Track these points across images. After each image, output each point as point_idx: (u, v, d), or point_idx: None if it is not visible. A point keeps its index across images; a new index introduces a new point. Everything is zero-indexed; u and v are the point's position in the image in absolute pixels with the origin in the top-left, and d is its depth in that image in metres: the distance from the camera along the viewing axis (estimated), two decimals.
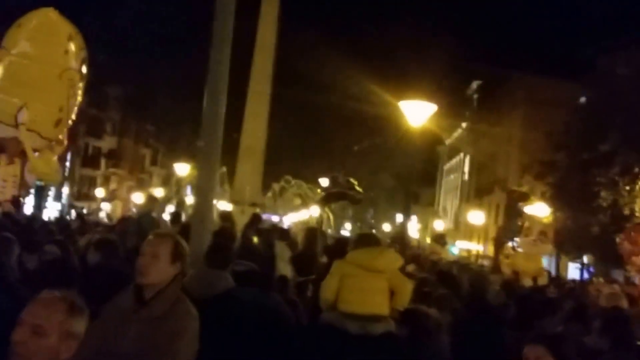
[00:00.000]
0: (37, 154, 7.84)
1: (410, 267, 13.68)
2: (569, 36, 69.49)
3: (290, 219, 36.54)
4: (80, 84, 6.85)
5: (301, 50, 49.98)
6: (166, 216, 22.51)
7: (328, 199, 23.97)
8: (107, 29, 51.39)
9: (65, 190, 55.91)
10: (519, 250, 18.20)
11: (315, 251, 11.66)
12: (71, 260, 7.49)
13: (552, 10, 72.41)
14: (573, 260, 36.02)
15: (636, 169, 27.00)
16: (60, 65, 6.56)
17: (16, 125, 6.45)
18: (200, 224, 7.71)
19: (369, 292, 6.08)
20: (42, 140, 6.66)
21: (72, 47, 6.65)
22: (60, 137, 6.90)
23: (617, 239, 22.11)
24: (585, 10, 56.73)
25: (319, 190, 26.83)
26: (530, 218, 29.55)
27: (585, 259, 33.72)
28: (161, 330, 4.05)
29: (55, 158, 9.09)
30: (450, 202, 74.07)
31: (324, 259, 10.44)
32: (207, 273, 6.08)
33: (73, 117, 7.06)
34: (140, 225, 12.37)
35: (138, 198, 54.79)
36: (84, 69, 6.86)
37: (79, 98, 7.09)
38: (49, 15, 6.49)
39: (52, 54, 6.49)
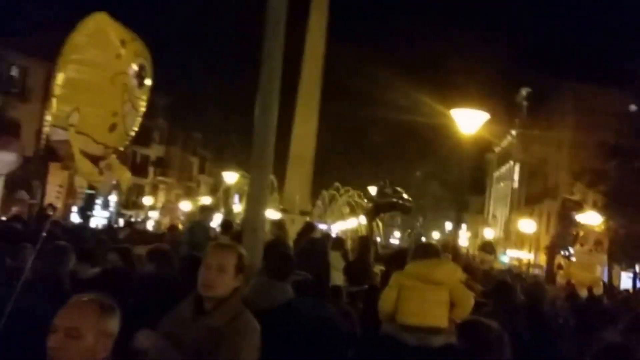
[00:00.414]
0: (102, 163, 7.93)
1: (463, 277, 13.56)
2: (618, 45, 68.66)
3: (338, 228, 36.47)
4: (141, 93, 6.61)
5: (350, 62, 50.41)
6: (214, 224, 22.86)
7: (377, 210, 23.81)
8: (156, 37, 52.29)
9: (113, 198, 56.74)
10: (574, 260, 17.97)
11: (368, 260, 11.70)
12: (131, 269, 7.56)
13: (602, 18, 71.69)
14: (626, 269, 35.39)
15: None
16: (111, 69, 6.33)
17: (65, 127, 6.36)
18: (253, 233, 7.76)
19: (428, 304, 6.04)
20: (96, 145, 6.41)
21: (125, 52, 6.38)
22: (118, 144, 6.75)
23: None
24: (635, 20, 55.91)
25: (366, 201, 26.79)
26: (585, 227, 29.15)
27: (637, 268, 33.11)
28: (221, 341, 4.04)
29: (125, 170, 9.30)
30: (500, 210, 73.57)
31: (375, 268, 10.53)
32: (269, 284, 6.10)
33: (135, 128, 6.91)
34: (193, 234, 12.51)
35: (186, 206, 55.40)
36: (147, 80, 6.66)
37: (142, 108, 6.86)
38: (100, 20, 6.38)
39: (104, 58, 6.31)
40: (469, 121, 15.45)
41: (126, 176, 10.16)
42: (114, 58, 6.34)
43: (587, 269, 16.89)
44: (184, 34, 57.01)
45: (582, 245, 17.37)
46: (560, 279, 17.28)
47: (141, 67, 6.52)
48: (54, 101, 6.52)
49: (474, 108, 15.82)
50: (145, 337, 3.99)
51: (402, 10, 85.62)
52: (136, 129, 6.76)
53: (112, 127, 6.43)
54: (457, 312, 6.16)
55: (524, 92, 63.36)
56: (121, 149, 6.91)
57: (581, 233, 17.86)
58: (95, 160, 6.56)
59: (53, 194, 39.40)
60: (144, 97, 6.73)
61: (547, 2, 69.97)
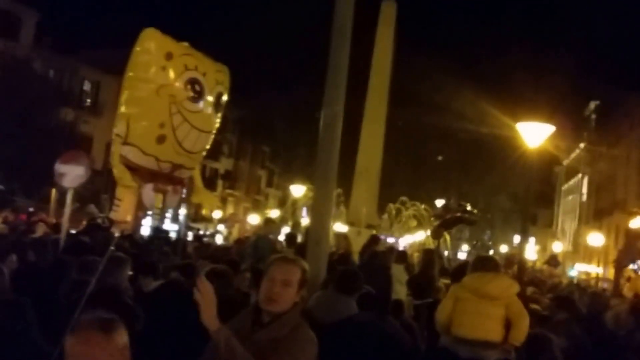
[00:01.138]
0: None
1: (530, 290, 13.72)
2: None
3: (406, 241, 36.57)
4: (196, 108, 6.51)
5: (418, 70, 50.52)
6: (282, 237, 22.62)
7: (443, 226, 23.96)
8: (226, 53, 53.45)
9: (183, 211, 57.86)
10: None
11: (433, 274, 11.62)
12: (191, 284, 7.50)
13: None
14: None
15: None
16: (157, 81, 6.39)
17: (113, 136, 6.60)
18: (316, 246, 7.76)
19: (480, 317, 6.01)
20: (146, 157, 6.47)
21: (172, 64, 6.44)
22: (173, 158, 6.69)
23: None
24: None
25: (432, 219, 26.94)
26: None
27: None
28: (278, 353, 4.01)
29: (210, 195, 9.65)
30: (568, 223, 72.60)
31: (442, 283, 10.50)
32: (334, 298, 6.25)
33: (198, 143, 6.86)
34: (257, 247, 12.81)
35: (254, 220, 56.07)
36: (207, 95, 6.61)
37: (201, 123, 6.77)
38: (148, 35, 6.52)
39: (149, 71, 6.43)
40: (534, 134, 15.24)
41: (212, 201, 10.59)
42: (160, 70, 6.40)
43: None
44: (254, 47, 58.10)
45: None
46: (627, 291, 17.13)
47: (193, 81, 6.48)
48: (117, 118, 6.69)
49: (540, 121, 15.65)
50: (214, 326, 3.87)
51: (471, 19, 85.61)
52: (203, 145, 6.90)
53: (161, 139, 6.44)
54: (513, 334, 6.07)
55: (592, 105, 62.73)
56: (191, 166, 7.08)
57: None
58: (154, 175, 6.77)
59: (120, 209, 40.25)
60: (205, 112, 6.73)
61: (615, 14, 69.19)
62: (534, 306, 9.70)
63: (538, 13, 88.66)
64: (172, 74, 6.37)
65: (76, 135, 41.19)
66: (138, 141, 6.35)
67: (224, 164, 67.48)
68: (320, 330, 4.45)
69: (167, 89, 6.31)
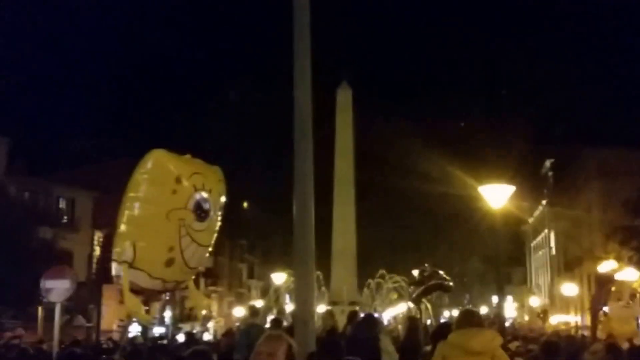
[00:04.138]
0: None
1: (513, 345, 14.59)
2: (631, 107, 70.90)
3: (389, 314, 37.25)
4: (202, 227, 6.44)
5: (384, 136, 52.02)
6: (268, 325, 23.50)
7: (423, 294, 24.72)
8: (194, 147, 54.89)
9: (168, 313, 57.99)
10: (611, 315, 18.12)
11: (418, 340, 11.81)
12: None
13: (613, 85, 74.10)
14: None
15: None
16: (167, 205, 6.32)
17: (120, 262, 6.40)
18: (304, 327, 7.94)
19: None
20: (152, 280, 6.38)
21: (182, 187, 6.37)
22: (179, 277, 6.63)
23: None
24: None
25: (411, 288, 27.78)
26: (620, 283, 30.02)
27: None
28: None
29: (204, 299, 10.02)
30: (542, 277, 73.67)
31: (427, 348, 10.50)
32: None
33: (202, 261, 6.92)
34: (250, 336, 12.64)
35: (239, 312, 56.23)
36: (212, 212, 6.52)
37: (205, 240, 6.69)
38: (158, 157, 6.48)
39: (160, 195, 6.36)
40: (496, 196, 15.48)
41: (203, 303, 10.80)
42: (170, 194, 6.40)
43: (625, 322, 17.26)
44: (223, 142, 59.43)
45: (618, 299, 17.95)
46: (600, 333, 17.90)
47: (201, 201, 6.46)
48: (116, 238, 6.67)
49: (501, 182, 15.91)
50: None
51: (434, 88, 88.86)
52: (204, 259, 7.01)
53: (169, 262, 6.37)
54: None
55: (548, 163, 64.77)
56: (190, 279, 7.18)
57: (613, 289, 18.53)
58: (152, 294, 6.81)
59: (113, 325, 40.62)
60: (210, 229, 6.68)
61: (564, 78, 72.73)
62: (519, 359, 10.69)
63: (493, 80, 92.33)
64: (182, 197, 6.41)
65: (56, 252, 41.41)
66: (146, 266, 6.33)
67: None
68: None
69: (178, 213, 6.34)
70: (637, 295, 19.25)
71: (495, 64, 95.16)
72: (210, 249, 7.07)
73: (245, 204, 61.52)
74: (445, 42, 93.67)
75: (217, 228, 6.98)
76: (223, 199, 7.09)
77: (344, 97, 32.21)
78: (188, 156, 6.96)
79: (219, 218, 7.14)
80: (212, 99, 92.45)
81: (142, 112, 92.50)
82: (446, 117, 70.35)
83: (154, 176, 6.57)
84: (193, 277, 7.50)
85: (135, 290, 6.51)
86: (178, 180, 6.50)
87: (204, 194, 6.63)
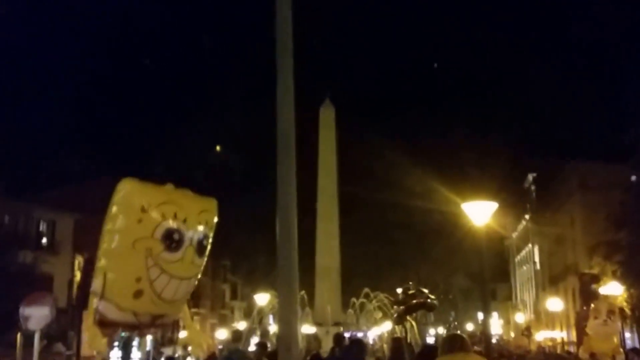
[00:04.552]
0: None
1: None
2: (614, 121, 71.61)
3: (374, 333, 37.03)
4: (174, 258, 6.14)
5: (369, 152, 52.15)
6: (252, 348, 23.25)
7: (406, 312, 24.57)
8: (172, 171, 54.84)
9: (149, 337, 57.38)
10: (591, 333, 18.08)
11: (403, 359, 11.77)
12: None
13: (594, 99, 74.70)
14: None
15: None
16: (133, 234, 6.19)
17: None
18: (287, 352, 7.56)
19: None
20: (121, 312, 6.24)
21: (148, 216, 6.20)
22: (153, 310, 6.33)
23: None
24: (623, 94, 58.42)
25: (395, 307, 27.61)
26: (600, 299, 29.95)
27: None
28: None
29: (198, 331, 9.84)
30: (527, 293, 73.70)
31: None
32: None
33: (177, 292, 6.53)
34: None
35: (222, 334, 55.77)
36: (187, 242, 6.26)
37: (195, 270, 6.51)
38: (126, 185, 6.35)
39: (126, 224, 6.25)
40: (479, 213, 15.25)
41: (200, 341, 10.42)
42: (136, 223, 6.23)
43: (605, 340, 17.20)
44: (203, 164, 59.35)
45: (595, 318, 17.80)
46: (582, 353, 17.80)
47: (171, 231, 6.25)
48: (95, 271, 6.59)
49: (483, 199, 15.70)
50: None
51: (417, 106, 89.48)
52: (186, 292, 6.57)
53: (138, 294, 6.19)
54: None
55: (530, 177, 65.03)
56: (176, 312, 6.84)
57: (592, 306, 18.43)
58: (134, 327, 6.61)
59: (94, 351, 39.94)
60: (185, 260, 6.38)
61: (545, 94, 73.70)
62: None
63: (475, 96, 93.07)
64: (148, 226, 6.20)
65: (36, 276, 40.94)
66: (115, 297, 6.21)
67: None
68: None
69: (143, 242, 6.17)
70: (616, 311, 19.01)
71: (479, 81, 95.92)
72: (192, 281, 6.78)
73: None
74: (429, 60, 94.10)
75: (197, 260, 6.72)
76: (202, 228, 6.76)
77: (327, 115, 32.33)
78: (169, 186, 6.76)
79: (203, 256, 6.90)
80: (194, 117, 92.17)
81: (124, 130, 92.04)
82: (430, 132, 70.69)
83: (123, 206, 6.40)
84: (181, 311, 7.20)
85: (107, 322, 6.36)
86: (144, 210, 6.31)
87: (175, 224, 6.37)
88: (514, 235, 75.05)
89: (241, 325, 50.44)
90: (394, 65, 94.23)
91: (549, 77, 70.12)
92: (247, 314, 58.91)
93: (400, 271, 63.80)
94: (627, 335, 36.80)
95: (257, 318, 38.35)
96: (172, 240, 6.32)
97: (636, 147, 33.54)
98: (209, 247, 6.90)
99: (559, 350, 37.11)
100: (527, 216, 67.31)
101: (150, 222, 6.27)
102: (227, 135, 60.56)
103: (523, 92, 79.17)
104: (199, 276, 6.95)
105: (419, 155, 55.98)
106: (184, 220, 6.42)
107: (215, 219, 7.05)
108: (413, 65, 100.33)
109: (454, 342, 6.54)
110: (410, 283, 25.69)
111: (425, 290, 23.37)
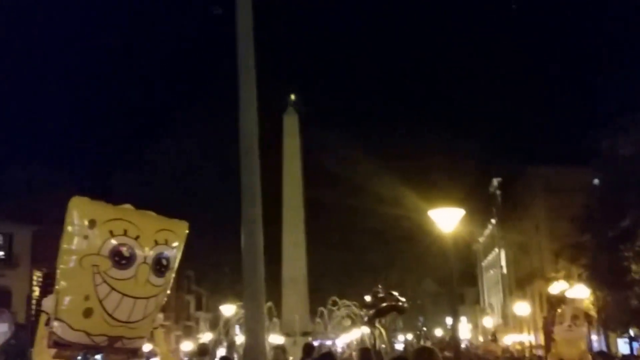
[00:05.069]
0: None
1: None
2: (574, 125, 72.60)
3: (342, 341, 36.84)
4: (124, 275, 5.92)
5: (336, 158, 52.15)
6: None
7: (376, 316, 24.32)
8: (137, 185, 54.15)
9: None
10: (557, 339, 18.01)
11: None
12: None
13: (555, 105, 75.69)
14: (621, 335, 36.40)
15: None
16: (80, 252, 5.92)
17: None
18: None
19: None
20: (75, 332, 5.88)
21: (95, 232, 5.95)
22: (106, 331, 6.49)
23: None
24: (584, 100, 59.18)
25: (364, 311, 27.40)
26: (566, 304, 29.95)
27: (631, 332, 34.09)
28: None
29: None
30: (494, 297, 74.31)
31: None
32: None
33: (151, 311, 6.69)
34: None
35: (187, 346, 55.17)
36: (138, 260, 6.36)
37: (155, 290, 6.59)
38: (75, 203, 6.06)
39: (73, 242, 5.94)
40: (446, 219, 15.49)
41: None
42: (82, 239, 5.97)
43: (571, 345, 17.12)
44: (167, 177, 58.82)
45: (560, 323, 17.65)
46: (551, 358, 17.67)
47: (120, 248, 5.90)
48: (55, 291, 6.01)
49: (450, 205, 15.94)
50: None
51: (387, 113, 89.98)
52: (144, 312, 6.37)
53: (87, 313, 5.90)
54: None
55: (495, 182, 65.47)
56: (137, 335, 6.78)
57: (559, 311, 18.40)
58: (97, 348, 6.60)
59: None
60: (138, 279, 6.01)
61: (510, 101, 74.78)
62: None
63: (440, 102, 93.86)
64: (94, 242, 5.95)
65: None
66: (66, 317, 5.93)
67: None
68: None
69: (90, 259, 5.91)
70: (580, 316, 18.84)
71: (444, 87, 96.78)
72: (151, 301, 6.09)
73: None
74: (394, 67, 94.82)
75: (154, 280, 6.09)
76: (160, 247, 6.15)
77: (291, 123, 32.16)
78: (127, 205, 6.24)
79: (164, 277, 6.25)
80: (157, 127, 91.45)
81: (85, 141, 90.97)
82: (396, 139, 70.97)
83: (71, 224, 6.03)
84: (147, 336, 6.82)
85: (63, 343, 5.88)
86: (91, 226, 5.98)
87: (125, 240, 5.98)
88: (481, 239, 75.51)
89: (207, 336, 49.91)
90: (359, 72, 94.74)
91: (512, 84, 70.96)
92: (213, 325, 58.37)
93: (369, 278, 63.49)
94: (594, 337, 37.04)
95: (223, 329, 37.98)
96: (121, 256, 5.88)
97: (597, 150, 33.77)
98: (172, 268, 6.44)
99: (527, 354, 37.24)
100: (493, 220, 67.76)
101: (96, 239, 5.95)
102: (192, 146, 60.06)
103: (487, 99, 79.99)
104: (164, 298, 6.41)
105: (386, 161, 56.06)
106: (136, 238, 6.07)
107: (180, 242, 6.56)
108: (378, 72, 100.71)
109: (423, 356, 6.33)
110: (380, 286, 25.44)
111: (395, 293, 23.20)
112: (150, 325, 6.40)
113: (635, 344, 34.15)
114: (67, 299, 5.92)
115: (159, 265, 6.11)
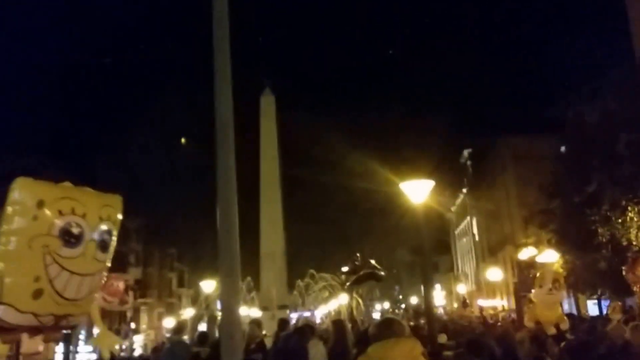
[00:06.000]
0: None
1: (442, 338, 14.89)
2: (543, 94, 73.62)
3: (321, 312, 37.70)
4: (74, 253, 6.11)
5: (310, 134, 52.65)
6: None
7: (356, 283, 24.86)
8: (120, 167, 54.39)
9: (96, 330, 56.78)
10: (536, 301, 18.53)
11: (346, 343, 11.64)
12: None
13: (521, 76, 76.66)
14: (590, 297, 37.41)
15: (623, 202, 28.53)
16: (29, 232, 6.01)
17: None
18: (230, 340, 8.08)
19: None
20: (22, 315, 5.97)
21: (44, 212, 6.06)
22: (55, 310, 6.21)
23: (623, 270, 23.82)
24: (557, 71, 59.99)
25: (343, 277, 28.03)
26: (542, 267, 30.74)
27: (600, 293, 35.00)
28: None
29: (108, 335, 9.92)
30: (468, 264, 75.54)
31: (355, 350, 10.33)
32: None
33: (96, 288, 6.47)
34: (173, 354, 12.65)
35: (169, 323, 55.71)
36: (86, 237, 6.21)
37: (99, 266, 6.35)
38: (19, 184, 6.16)
39: (21, 223, 6.06)
40: (417, 191, 15.08)
41: (108, 342, 10.05)
42: (31, 220, 6.05)
43: (550, 308, 17.54)
44: (147, 159, 59.09)
45: (540, 286, 18.18)
46: (527, 321, 18.24)
47: (69, 226, 6.13)
48: None
49: (421, 177, 15.51)
50: None
51: (355, 86, 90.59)
52: (90, 289, 6.38)
53: (37, 294, 5.99)
54: None
55: (465, 152, 66.41)
56: (81, 312, 6.58)
57: (538, 274, 18.84)
58: (38, 330, 6.29)
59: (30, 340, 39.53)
60: (87, 255, 6.28)
61: (480, 72, 75.47)
62: (447, 353, 10.99)
63: (409, 76, 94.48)
64: (44, 222, 6.07)
65: None
66: (13, 300, 5.99)
67: (133, 274, 66.33)
68: None
69: (40, 240, 6.02)
70: (560, 281, 19.58)
71: (412, 62, 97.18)
72: (96, 277, 6.55)
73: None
74: (364, 44, 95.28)
75: (99, 255, 6.53)
76: (104, 224, 6.64)
77: (267, 103, 32.78)
78: (67, 183, 6.59)
79: (108, 252, 6.73)
80: (131, 108, 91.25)
81: (57, 126, 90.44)
82: (367, 114, 71.80)
83: (17, 205, 6.23)
84: (95, 308, 7.67)
85: (8, 328, 6.15)
86: (39, 206, 6.16)
87: (73, 219, 6.28)
88: (453, 209, 76.50)
89: (189, 312, 50.52)
90: (330, 53, 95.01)
91: (481, 56, 71.69)
92: (195, 302, 58.94)
93: (345, 250, 64.16)
94: (564, 300, 38.13)
95: (203, 305, 38.63)
96: (70, 235, 6.19)
97: (564, 118, 34.61)
98: (113, 243, 6.69)
99: (500, 318, 38.17)
100: (464, 190, 68.73)
101: (46, 219, 6.13)
102: (170, 127, 60.39)
103: (455, 71, 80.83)
104: (105, 273, 6.70)
105: (359, 137, 57.08)
106: (83, 215, 6.32)
107: (119, 216, 6.88)
108: (349, 49, 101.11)
109: (387, 326, 6.20)
110: (358, 255, 26.13)
111: (372, 261, 23.95)
112: (92, 301, 6.88)
113: (604, 305, 35.11)
114: (15, 283, 6.00)
115: (103, 242, 6.48)
